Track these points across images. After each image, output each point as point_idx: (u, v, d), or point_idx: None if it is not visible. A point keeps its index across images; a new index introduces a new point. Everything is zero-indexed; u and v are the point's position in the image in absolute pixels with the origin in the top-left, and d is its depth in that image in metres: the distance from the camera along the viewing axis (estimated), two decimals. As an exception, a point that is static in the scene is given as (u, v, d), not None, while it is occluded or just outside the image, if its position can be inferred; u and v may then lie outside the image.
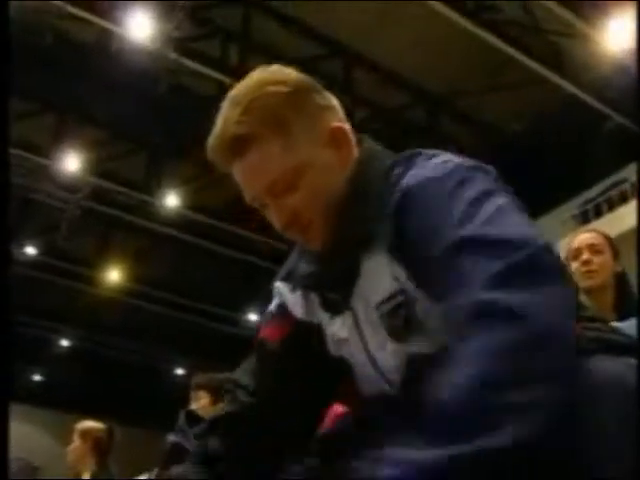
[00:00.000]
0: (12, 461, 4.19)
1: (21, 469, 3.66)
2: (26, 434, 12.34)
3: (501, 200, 0.97)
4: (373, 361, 1.13)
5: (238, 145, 1.08)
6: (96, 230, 10.67)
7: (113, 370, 13.50)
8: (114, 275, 11.28)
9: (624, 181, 9.35)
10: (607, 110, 8.49)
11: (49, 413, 13.72)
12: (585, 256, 2.42)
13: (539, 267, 0.88)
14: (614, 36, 7.20)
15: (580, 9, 7.13)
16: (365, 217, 1.09)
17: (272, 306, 1.29)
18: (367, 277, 1.09)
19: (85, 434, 3.83)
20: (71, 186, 9.53)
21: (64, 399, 13.35)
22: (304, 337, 1.22)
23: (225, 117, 1.11)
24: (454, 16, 7.18)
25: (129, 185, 9.54)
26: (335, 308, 1.17)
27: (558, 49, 8.00)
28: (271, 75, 1.13)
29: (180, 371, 14.39)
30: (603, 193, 9.68)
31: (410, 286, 1.04)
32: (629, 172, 9.00)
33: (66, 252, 10.85)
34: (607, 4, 7.08)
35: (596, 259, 2.42)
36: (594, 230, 2.64)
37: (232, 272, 11.31)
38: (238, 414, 1.26)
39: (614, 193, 9.52)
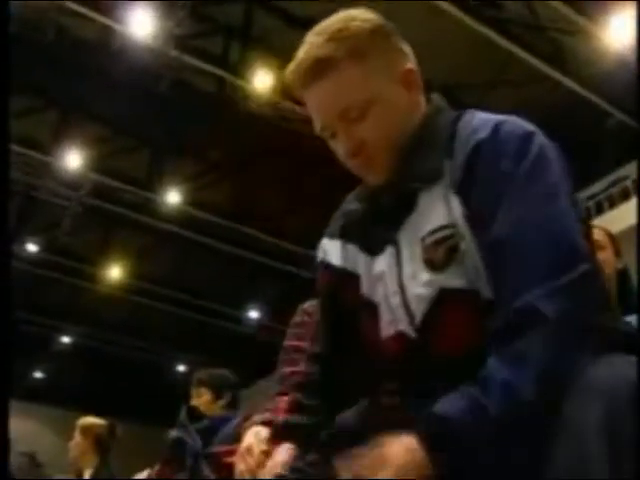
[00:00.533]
0: (15, 456, 4.19)
1: (24, 465, 3.66)
2: (29, 431, 12.36)
3: (566, 195, 1.06)
4: (402, 289, 1.15)
5: (319, 68, 1.15)
6: (98, 227, 10.68)
7: (115, 367, 13.51)
8: (116, 272, 11.29)
9: (625, 178, 9.33)
10: (609, 107, 8.48)
11: (51, 410, 13.75)
12: None
13: (586, 292, 0.99)
14: (616, 33, 7.19)
15: (582, 6, 7.12)
16: (432, 155, 1.15)
17: (316, 264, 1.38)
18: (422, 211, 1.14)
19: (86, 430, 3.83)
20: (73, 183, 9.53)
21: (66, 396, 13.37)
22: (344, 285, 1.27)
23: (309, 43, 1.18)
24: (458, 14, 7.18)
25: (131, 182, 9.55)
26: (376, 246, 1.21)
27: (560, 46, 7.98)
28: (355, 14, 1.20)
29: (182, 368, 14.40)
30: (604, 190, 9.66)
31: (463, 223, 1.09)
32: (630, 169, 8.97)
33: (68, 249, 10.86)
34: (608, 2, 7.07)
35: (598, 255, 2.41)
36: (596, 227, 2.64)
37: (234, 270, 11.31)
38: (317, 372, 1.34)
39: (615, 190, 9.49)
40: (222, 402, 3.18)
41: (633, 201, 8.57)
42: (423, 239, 1.12)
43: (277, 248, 10.30)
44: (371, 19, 1.20)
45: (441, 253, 1.10)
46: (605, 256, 2.42)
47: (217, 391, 3.20)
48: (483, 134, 1.10)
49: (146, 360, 13.73)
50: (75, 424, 3.92)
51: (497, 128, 1.11)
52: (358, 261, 1.26)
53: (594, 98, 8.27)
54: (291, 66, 1.18)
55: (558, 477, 0.87)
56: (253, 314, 12.59)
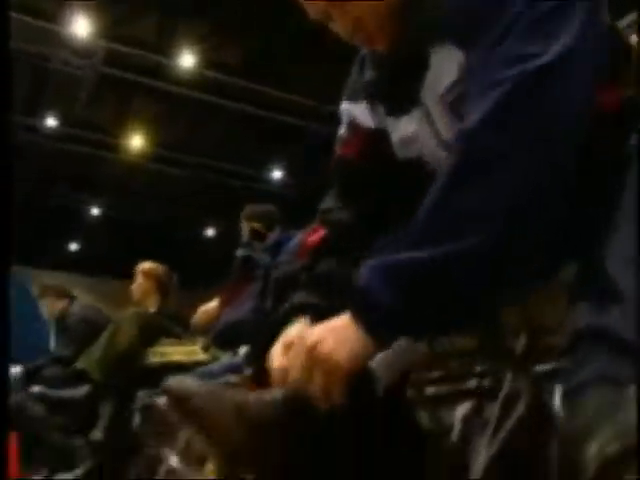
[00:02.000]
0: (88, 309, 4.42)
1: (96, 313, 3.92)
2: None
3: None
4: (444, 144, 1.16)
5: None
6: (114, 96, 10.51)
7: (144, 235, 13.77)
8: (136, 141, 11.25)
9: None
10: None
11: (87, 279, 14.21)
12: None
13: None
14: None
15: None
16: (432, 8, 1.11)
17: (341, 130, 1.36)
18: (435, 68, 1.13)
19: (148, 273, 3.99)
20: (84, 51, 9.30)
21: (100, 265, 13.78)
22: (379, 144, 1.27)
23: None
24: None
25: (143, 46, 9.29)
26: (402, 108, 1.21)
27: None
28: None
29: (210, 232, 14.64)
30: None
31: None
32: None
33: (87, 121, 10.77)
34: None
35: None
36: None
37: (254, 130, 11.19)
38: (336, 234, 1.33)
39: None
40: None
41: None
42: (442, 96, 1.12)
43: (298, 106, 10.12)
44: None
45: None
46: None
47: (268, 225, 3.27)
48: None
49: (174, 226, 13.94)
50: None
51: None
52: (387, 124, 1.25)
53: None
54: None
55: None
56: (275, 174, 12.59)
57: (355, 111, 1.31)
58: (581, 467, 0.70)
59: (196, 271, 10.95)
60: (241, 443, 1.10)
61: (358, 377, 1.23)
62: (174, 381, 1.14)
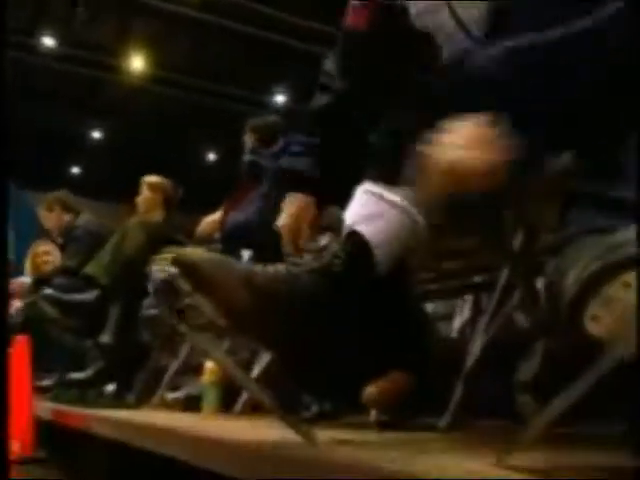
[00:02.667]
0: (93, 222, 4.45)
1: (101, 226, 3.96)
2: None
3: None
4: (454, 14, 1.17)
5: None
6: (113, 15, 10.29)
7: (146, 159, 13.69)
8: (137, 62, 11.08)
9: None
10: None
11: (92, 203, 14.19)
12: None
13: None
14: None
15: None
16: None
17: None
18: None
19: (155, 186, 3.96)
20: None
21: (102, 189, 13.76)
22: (390, 15, 1.26)
23: None
24: None
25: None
26: None
27: None
28: None
29: (212, 156, 14.57)
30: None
31: None
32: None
33: (85, 40, 10.57)
34: None
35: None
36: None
37: (257, 53, 11.00)
38: (335, 101, 1.36)
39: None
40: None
41: None
42: None
43: (302, 27, 9.93)
44: None
45: None
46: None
47: (272, 135, 3.24)
48: None
49: (176, 150, 13.86)
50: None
51: None
52: None
53: None
54: None
55: None
56: (279, 98, 12.44)
57: None
58: (562, 295, 0.74)
59: (195, 195, 10.95)
60: (247, 308, 1.15)
61: (357, 252, 1.28)
62: (185, 251, 1.18)
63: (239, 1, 9.63)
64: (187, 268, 1.15)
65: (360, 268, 1.28)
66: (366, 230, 1.30)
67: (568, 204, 0.90)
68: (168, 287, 1.18)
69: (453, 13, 1.16)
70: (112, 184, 13.28)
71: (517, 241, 1.69)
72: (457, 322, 2.88)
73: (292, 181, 1.46)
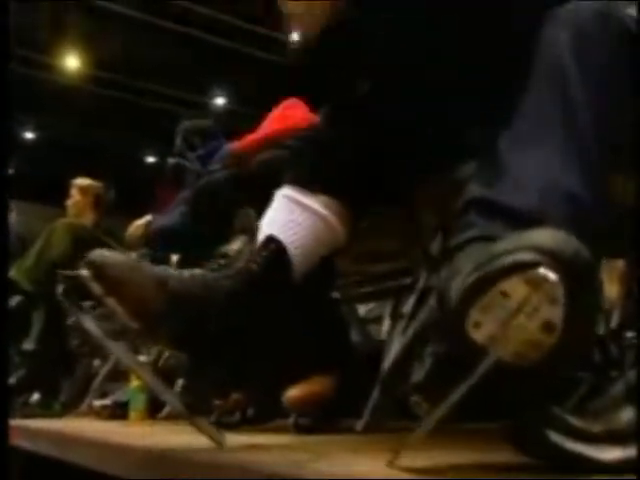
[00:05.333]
0: (20, 225, 4.35)
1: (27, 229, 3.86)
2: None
3: None
4: None
5: None
6: (46, 12, 10.05)
7: (82, 160, 13.42)
8: (72, 61, 10.86)
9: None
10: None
11: (22, 204, 13.81)
12: None
13: None
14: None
15: None
16: None
17: None
18: None
19: (85, 189, 3.89)
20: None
21: (35, 190, 13.41)
22: None
23: None
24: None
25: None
26: None
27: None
28: None
29: (151, 159, 14.38)
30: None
31: None
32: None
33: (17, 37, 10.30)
34: None
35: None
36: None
37: (194, 54, 10.90)
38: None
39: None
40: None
41: None
42: None
43: (236, 29, 9.89)
44: None
45: None
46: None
47: (202, 138, 3.21)
48: None
49: (112, 151, 13.63)
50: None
51: None
52: None
53: None
54: None
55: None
56: (219, 101, 12.37)
57: None
58: (448, 301, 0.77)
59: (133, 196, 10.78)
60: (160, 311, 1.14)
61: (274, 257, 1.29)
62: (96, 253, 1.16)
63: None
64: (97, 269, 1.13)
65: (277, 273, 1.29)
66: (284, 236, 1.30)
67: (467, 209, 0.92)
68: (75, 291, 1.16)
69: None
70: (44, 186, 12.97)
71: (435, 244, 1.72)
72: (386, 325, 2.91)
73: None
